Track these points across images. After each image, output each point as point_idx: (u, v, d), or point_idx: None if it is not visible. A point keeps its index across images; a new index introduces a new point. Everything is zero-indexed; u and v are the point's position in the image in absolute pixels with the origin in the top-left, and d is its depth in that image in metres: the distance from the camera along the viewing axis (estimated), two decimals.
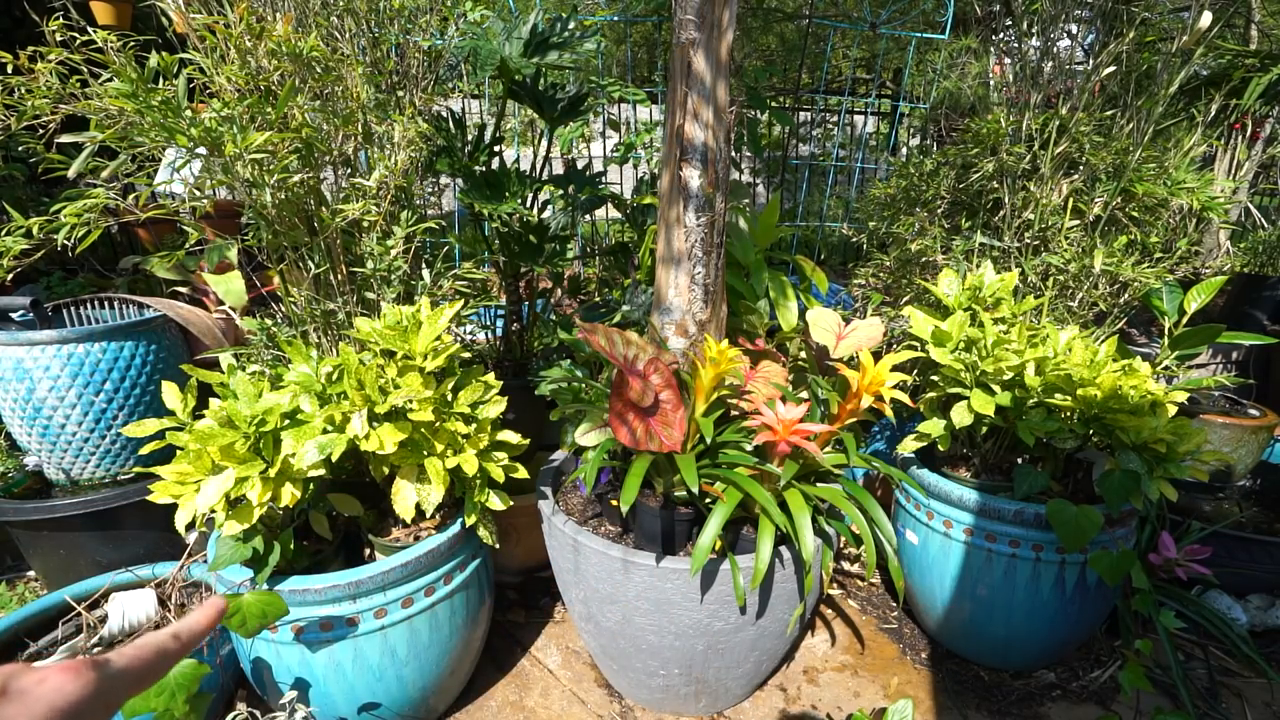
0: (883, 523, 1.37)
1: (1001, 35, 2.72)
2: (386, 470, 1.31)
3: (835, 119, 4.00)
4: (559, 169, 3.30)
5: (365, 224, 1.44)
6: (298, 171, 1.31)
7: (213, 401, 1.25)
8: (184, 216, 1.28)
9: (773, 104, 2.91)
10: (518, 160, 2.03)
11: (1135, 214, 1.83)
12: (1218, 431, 1.89)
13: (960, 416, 1.50)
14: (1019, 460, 1.63)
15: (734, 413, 1.48)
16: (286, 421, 1.25)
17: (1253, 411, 1.97)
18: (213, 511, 1.18)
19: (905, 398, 1.41)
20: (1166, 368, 1.73)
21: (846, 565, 2.07)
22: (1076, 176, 1.79)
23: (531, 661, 1.67)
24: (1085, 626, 1.56)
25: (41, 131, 1.14)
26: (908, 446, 1.66)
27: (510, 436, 1.42)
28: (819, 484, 1.42)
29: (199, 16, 1.21)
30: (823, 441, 1.44)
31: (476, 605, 1.45)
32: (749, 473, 1.32)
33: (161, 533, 1.73)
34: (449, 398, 1.35)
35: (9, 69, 1.10)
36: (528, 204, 1.80)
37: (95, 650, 1.36)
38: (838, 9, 3.06)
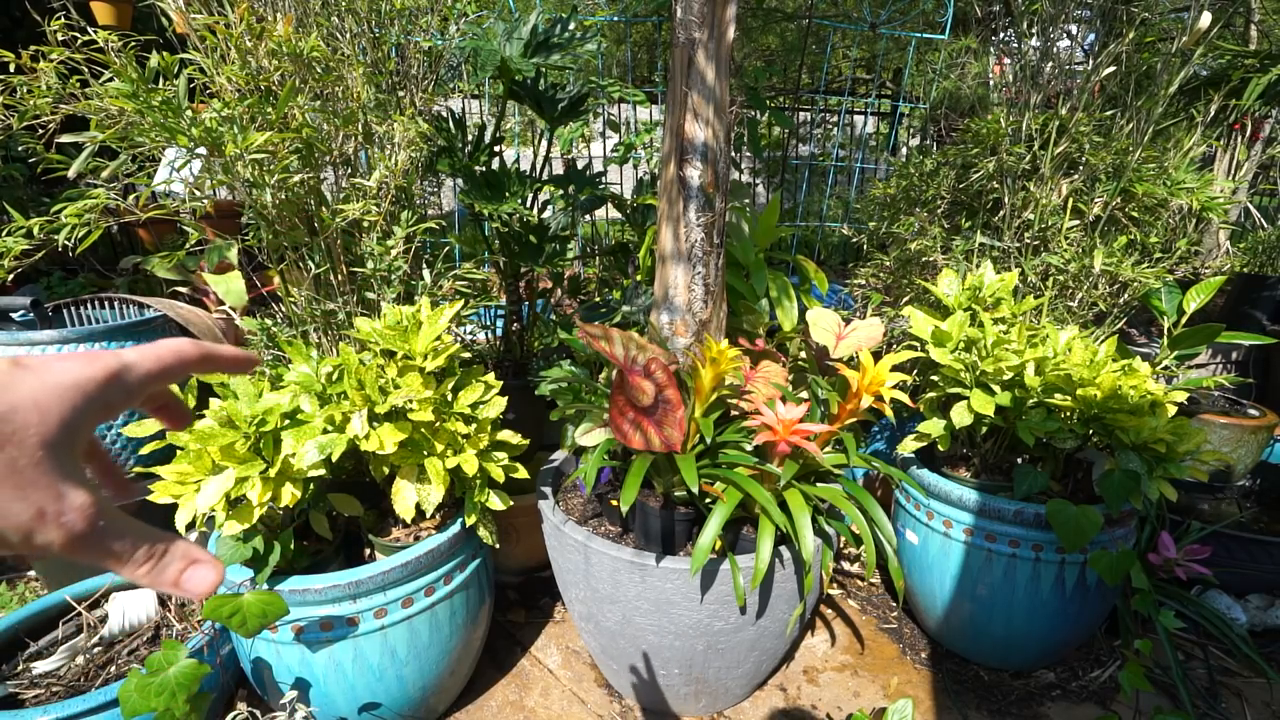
0: (883, 523, 1.37)
1: (1001, 35, 2.72)
2: (386, 470, 1.31)
3: (835, 119, 4.00)
4: (559, 169, 3.30)
5: (365, 224, 1.44)
6: (298, 171, 1.31)
7: (213, 401, 1.25)
8: (184, 216, 1.28)
9: (772, 104, 2.91)
10: (518, 160, 2.03)
11: (1135, 214, 1.83)
12: (1217, 431, 1.89)
13: (960, 416, 1.50)
14: (1019, 460, 1.63)
15: (734, 413, 1.48)
16: (286, 421, 1.25)
17: (1252, 411, 1.98)
18: (213, 511, 1.18)
19: (905, 398, 1.41)
20: (1166, 368, 1.73)
21: (846, 565, 2.07)
22: (1076, 176, 1.79)
23: (531, 661, 1.67)
24: (1085, 626, 1.56)
25: (42, 131, 1.14)
26: (908, 446, 1.66)
27: (510, 436, 1.42)
28: (819, 484, 1.42)
29: (199, 17, 1.21)
30: (823, 441, 1.44)
31: (476, 605, 1.45)
32: (749, 473, 1.32)
33: None
34: (449, 398, 1.35)
35: (10, 68, 1.10)
36: (528, 204, 1.80)
37: (95, 650, 1.36)
38: (838, 9, 3.05)
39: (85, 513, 0.28)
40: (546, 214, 2.01)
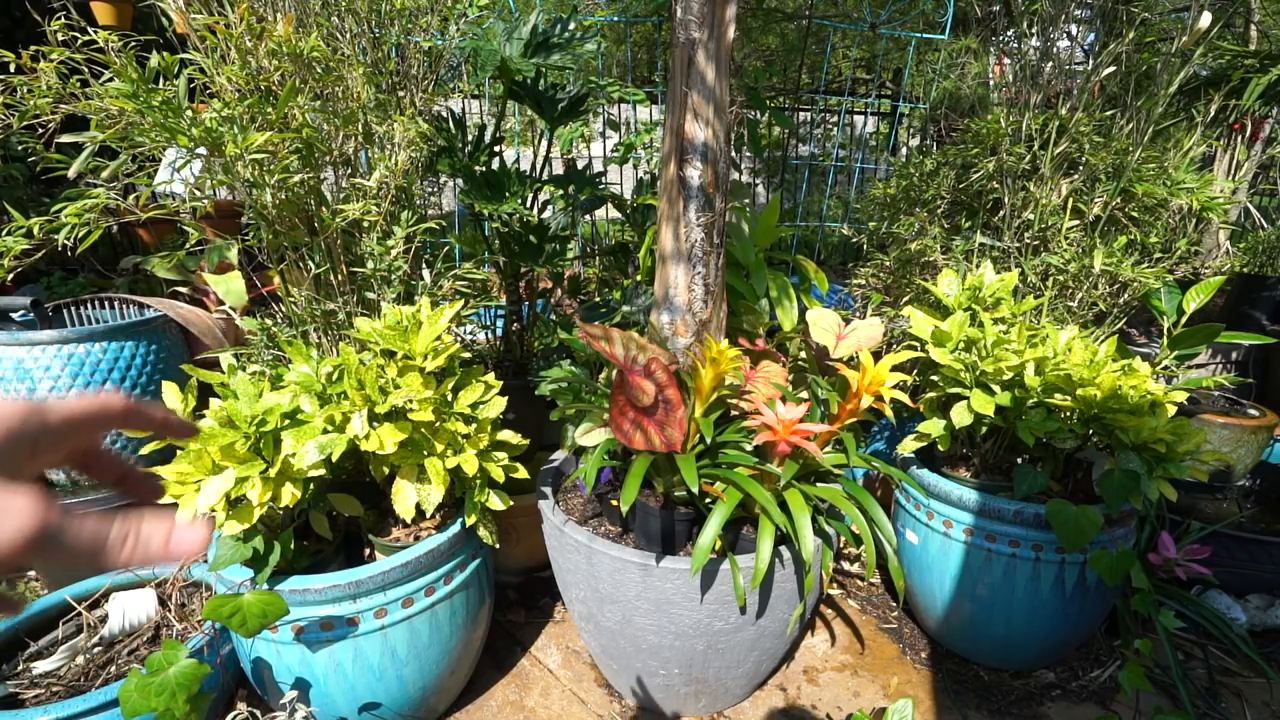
0: (883, 523, 1.37)
1: (1001, 35, 2.72)
2: (386, 470, 1.31)
3: (835, 119, 4.00)
4: (559, 169, 3.30)
5: (365, 224, 1.44)
6: (298, 171, 1.31)
7: (213, 401, 1.25)
8: (184, 216, 1.28)
9: (772, 104, 2.91)
10: (518, 160, 2.03)
11: (1135, 214, 1.83)
12: (1217, 431, 1.89)
13: (960, 416, 1.50)
14: (1019, 460, 1.63)
15: (734, 413, 1.48)
16: (287, 421, 1.25)
17: (1252, 411, 1.98)
18: (213, 511, 1.18)
19: (905, 398, 1.41)
20: (1166, 368, 1.74)
21: (846, 565, 2.07)
22: (1076, 176, 1.79)
23: (531, 661, 1.67)
24: (1085, 626, 1.56)
25: (42, 131, 1.14)
26: (908, 446, 1.66)
27: (510, 436, 1.42)
28: (819, 484, 1.42)
29: (199, 17, 1.21)
30: (823, 441, 1.44)
31: (476, 605, 1.45)
32: (749, 473, 1.32)
33: None
34: (449, 398, 1.35)
35: (10, 68, 1.10)
36: (528, 204, 1.80)
37: (95, 650, 1.36)
38: (838, 9, 3.05)
39: (31, 508, 0.28)
40: (546, 214, 2.01)
